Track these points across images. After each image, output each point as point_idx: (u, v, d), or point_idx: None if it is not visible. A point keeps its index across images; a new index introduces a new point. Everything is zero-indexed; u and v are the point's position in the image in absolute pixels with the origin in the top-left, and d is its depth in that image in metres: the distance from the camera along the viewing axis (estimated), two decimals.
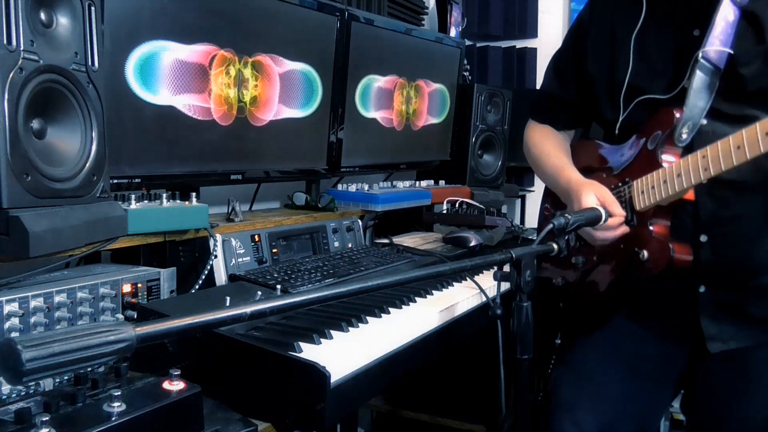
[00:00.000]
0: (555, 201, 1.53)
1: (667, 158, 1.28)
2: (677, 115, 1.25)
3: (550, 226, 1.18)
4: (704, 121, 1.24)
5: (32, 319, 1.00)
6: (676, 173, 1.22)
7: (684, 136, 1.25)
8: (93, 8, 1.09)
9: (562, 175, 1.46)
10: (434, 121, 2.44)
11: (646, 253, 1.28)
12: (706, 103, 1.23)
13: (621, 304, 1.42)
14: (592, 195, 1.31)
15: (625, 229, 1.32)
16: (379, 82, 2.13)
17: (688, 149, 1.24)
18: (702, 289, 1.29)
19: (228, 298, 1.19)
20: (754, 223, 1.26)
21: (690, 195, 1.25)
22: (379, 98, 2.15)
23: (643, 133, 1.33)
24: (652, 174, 1.28)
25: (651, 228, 1.29)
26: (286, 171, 1.85)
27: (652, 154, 1.29)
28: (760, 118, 1.09)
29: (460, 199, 2.25)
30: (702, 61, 1.22)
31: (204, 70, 1.49)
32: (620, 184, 1.36)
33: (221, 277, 1.41)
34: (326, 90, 1.89)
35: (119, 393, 0.84)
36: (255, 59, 1.63)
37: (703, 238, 1.27)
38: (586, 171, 1.47)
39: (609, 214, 1.27)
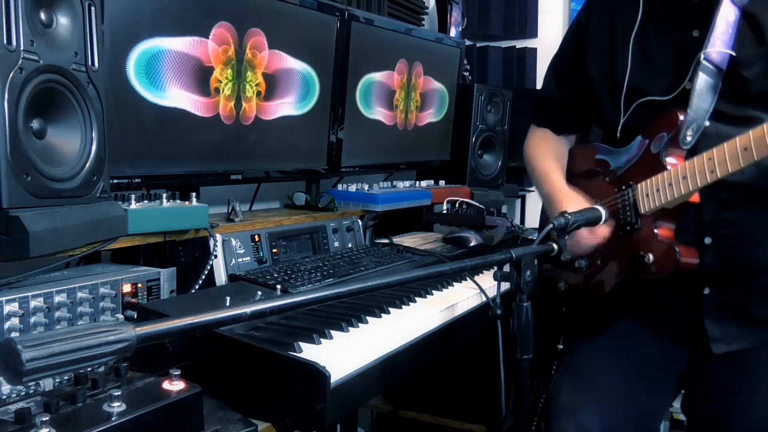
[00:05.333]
0: None
1: (671, 161, 1.27)
2: (681, 117, 1.24)
3: (550, 226, 1.18)
4: (708, 123, 1.24)
5: (32, 319, 1.00)
6: (681, 176, 1.22)
7: (689, 138, 1.24)
8: (93, 8, 1.09)
9: (547, 181, 1.48)
10: (434, 121, 2.44)
11: (651, 257, 1.27)
12: (709, 105, 1.23)
13: (624, 307, 1.42)
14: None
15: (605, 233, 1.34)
16: (379, 82, 2.13)
17: (692, 152, 1.24)
18: (706, 290, 1.28)
19: (228, 298, 1.19)
20: (758, 224, 1.25)
21: (695, 197, 1.25)
22: (380, 98, 2.15)
23: (646, 135, 1.32)
24: (657, 176, 1.27)
25: (656, 231, 1.29)
26: (286, 171, 1.85)
27: (656, 156, 1.29)
28: (764, 120, 1.09)
29: (460, 199, 2.24)
30: (704, 62, 1.22)
31: (204, 69, 1.49)
32: (623, 187, 1.36)
33: (221, 277, 1.41)
34: (325, 89, 1.89)
35: (119, 393, 0.84)
36: (255, 58, 1.63)
37: (708, 240, 1.26)
38: (588, 175, 1.47)
39: (609, 215, 1.28)
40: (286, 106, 1.76)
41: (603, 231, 1.34)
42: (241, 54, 1.58)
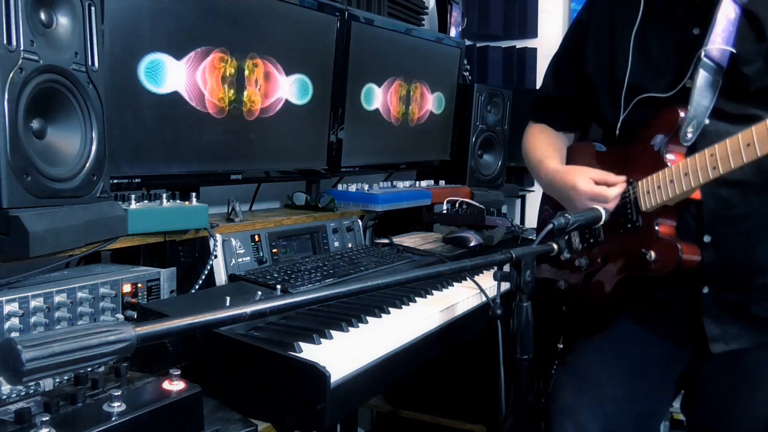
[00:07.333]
0: (555, 203, 1.53)
1: (672, 158, 1.27)
2: (682, 114, 1.24)
3: (550, 226, 1.18)
4: (707, 121, 1.24)
5: (32, 319, 1.00)
6: (683, 172, 1.21)
7: (689, 135, 1.24)
8: (93, 8, 1.09)
9: (543, 167, 1.48)
10: (434, 121, 2.44)
11: (653, 254, 1.27)
12: (710, 102, 1.23)
13: (624, 306, 1.41)
14: (588, 179, 1.33)
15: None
16: (378, 83, 2.13)
17: (692, 149, 1.24)
18: (705, 289, 1.28)
19: (228, 298, 1.19)
20: (758, 223, 1.25)
21: (697, 194, 1.25)
22: (380, 98, 2.15)
23: (646, 132, 1.32)
24: (658, 174, 1.27)
25: (657, 228, 1.29)
26: (286, 171, 1.85)
27: (657, 153, 1.29)
28: (764, 118, 1.09)
29: (460, 199, 2.24)
30: (705, 59, 1.22)
31: (205, 68, 1.49)
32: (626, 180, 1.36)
33: (221, 277, 1.41)
34: (323, 89, 1.89)
35: (119, 393, 0.84)
36: (254, 58, 1.63)
37: (707, 238, 1.26)
38: None
39: (609, 213, 1.28)
40: (285, 102, 1.76)
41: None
42: (240, 53, 1.58)
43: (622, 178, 1.34)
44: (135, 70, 1.35)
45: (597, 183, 1.34)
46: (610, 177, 1.34)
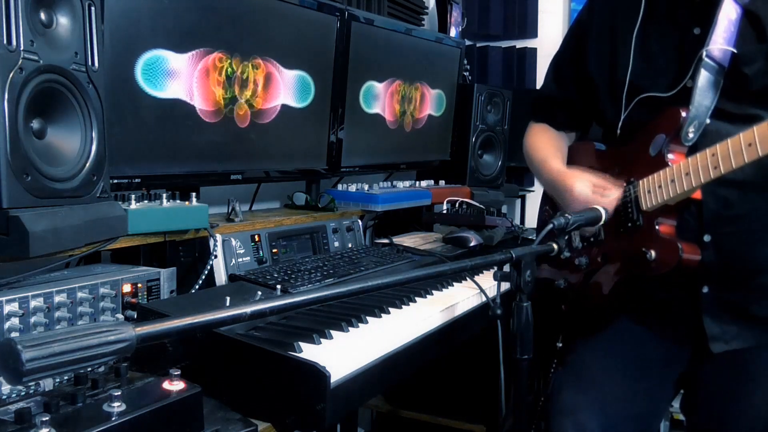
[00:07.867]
0: (555, 203, 1.53)
1: (673, 157, 1.28)
2: (683, 114, 1.24)
3: (550, 225, 1.18)
4: (709, 121, 1.24)
5: (32, 319, 1.00)
6: (684, 172, 1.21)
7: (690, 135, 1.24)
8: (93, 8, 1.09)
9: (546, 166, 1.48)
10: (434, 121, 2.44)
11: (653, 253, 1.27)
12: (711, 102, 1.23)
13: (623, 306, 1.41)
14: (587, 183, 1.33)
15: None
16: (378, 82, 2.13)
17: (693, 149, 1.24)
18: (705, 289, 1.28)
19: (228, 298, 1.19)
20: (759, 222, 1.25)
21: (697, 194, 1.25)
22: (380, 98, 2.15)
23: (647, 132, 1.32)
24: (659, 173, 1.27)
25: (657, 228, 1.29)
26: (286, 171, 1.85)
27: (658, 153, 1.29)
28: (765, 118, 1.09)
29: (460, 199, 2.24)
30: (706, 59, 1.22)
31: (205, 69, 1.49)
32: (625, 184, 1.36)
33: (221, 277, 1.41)
34: (323, 89, 1.89)
35: (119, 393, 0.84)
36: (255, 58, 1.63)
37: (707, 238, 1.26)
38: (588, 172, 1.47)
39: (609, 214, 1.28)
40: (285, 104, 1.76)
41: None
42: (240, 54, 1.58)
43: (620, 182, 1.34)
44: (135, 71, 1.35)
45: (595, 187, 1.35)
46: (609, 182, 1.34)
